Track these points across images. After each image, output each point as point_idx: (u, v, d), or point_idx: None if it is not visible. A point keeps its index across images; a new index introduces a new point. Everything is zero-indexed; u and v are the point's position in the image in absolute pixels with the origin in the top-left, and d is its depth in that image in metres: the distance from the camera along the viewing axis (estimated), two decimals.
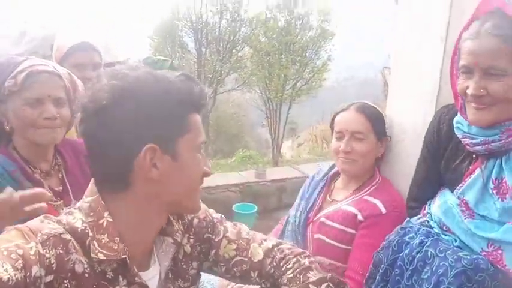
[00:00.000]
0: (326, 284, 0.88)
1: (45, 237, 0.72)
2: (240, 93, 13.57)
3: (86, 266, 0.76)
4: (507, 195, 1.08)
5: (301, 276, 0.91)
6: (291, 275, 0.92)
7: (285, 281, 0.92)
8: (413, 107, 1.68)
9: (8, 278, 0.64)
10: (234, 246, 0.98)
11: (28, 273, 0.67)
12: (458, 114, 1.22)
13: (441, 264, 1.05)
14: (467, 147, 1.19)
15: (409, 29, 1.69)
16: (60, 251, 0.73)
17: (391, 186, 1.62)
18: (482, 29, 1.05)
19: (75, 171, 1.41)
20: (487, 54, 1.04)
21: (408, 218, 1.33)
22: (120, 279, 0.80)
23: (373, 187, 1.58)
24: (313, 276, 0.91)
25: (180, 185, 0.84)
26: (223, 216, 1.06)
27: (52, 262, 0.71)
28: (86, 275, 0.76)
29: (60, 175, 1.37)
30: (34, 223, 0.77)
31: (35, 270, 0.68)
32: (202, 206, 1.01)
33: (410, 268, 1.12)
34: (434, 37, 1.55)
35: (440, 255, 1.08)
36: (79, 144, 1.48)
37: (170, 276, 0.92)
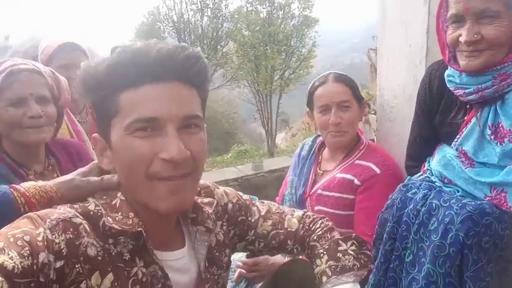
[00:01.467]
0: (351, 241, 0.97)
1: (54, 222, 0.70)
2: (229, 89, 13.55)
3: (99, 249, 0.73)
4: (505, 139, 1.09)
5: (328, 234, 1.00)
6: (320, 233, 1.01)
7: (315, 238, 1.00)
8: (402, 71, 1.68)
9: (13, 266, 0.61)
10: (270, 222, 1.03)
11: (35, 261, 0.65)
12: (449, 68, 1.23)
13: (447, 213, 1.05)
14: (461, 98, 1.19)
15: None
16: (71, 236, 0.70)
17: (378, 147, 1.65)
18: None
19: (70, 171, 1.40)
20: None
21: (409, 177, 1.33)
22: (137, 260, 0.77)
23: (362, 151, 1.60)
24: (337, 235, 1.01)
25: (121, 176, 0.78)
26: (252, 196, 1.09)
27: (62, 247, 0.69)
28: (100, 258, 0.73)
29: (55, 175, 1.34)
30: (43, 210, 0.75)
31: (43, 256, 0.66)
32: (233, 190, 1.04)
33: (417, 222, 1.12)
34: (418, 1, 1.55)
35: (444, 205, 1.08)
36: (70, 143, 1.48)
37: (206, 264, 0.90)
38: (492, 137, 1.12)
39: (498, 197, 1.07)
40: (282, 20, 10.99)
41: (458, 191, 1.15)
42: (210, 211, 0.90)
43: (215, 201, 0.94)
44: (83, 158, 1.43)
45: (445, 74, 1.25)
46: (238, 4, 11.20)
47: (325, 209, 1.56)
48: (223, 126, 14.48)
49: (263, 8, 11.06)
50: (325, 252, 0.94)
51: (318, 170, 1.69)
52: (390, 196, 1.26)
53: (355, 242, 0.97)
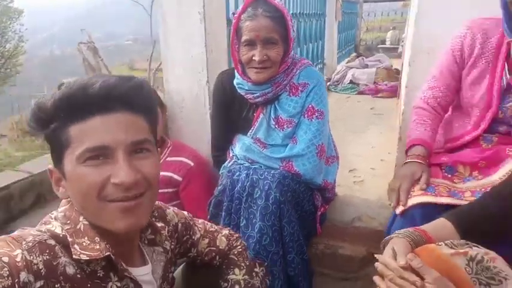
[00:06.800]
0: (262, 268, 1.20)
1: (30, 244, 0.71)
2: None
3: (76, 267, 0.75)
4: (284, 126, 1.60)
5: (245, 252, 1.19)
6: (240, 250, 1.18)
7: (235, 253, 1.17)
8: (188, 77, 2.02)
9: None
10: (207, 240, 1.14)
11: (16, 280, 0.65)
12: (238, 77, 1.63)
13: (265, 182, 1.46)
14: (250, 100, 1.63)
15: (174, 15, 1.97)
16: (47, 257, 0.72)
17: (183, 144, 1.95)
18: (258, 12, 1.45)
19: None
20: (265, 30, 1.45)
21: (224, 164, 1.69)
22: (112, 275, 0.81)
23: (169, 149, 1.86)
24: (249, 254, 1.23)
25: (77, 204, 0.80)
26: (189, 213, 1.14)
27: (40, 268, 0.70)
28: (79, 275, 0.75)
29: None
30: (15, 233, 0.75)
31: (23, 276, 0.66)
32: (179, 210, 1.08)
33: (245, 194, 1.48)
34: (195, 19, 1.90)
35: (261, 177, 1.49)
36: None
37: (161, 282, 0.95)
38: (276, 126, 1.61)
39: (287, 165, 1.56)
40: None
41: (261, 167, 1.60)
42: (166, 233, 0.98)
43: (166, 227, 1.01)
44: None
45: (235, 83, 1.65)
46: None
47: None
48: None
49: None
50: (244, 267, 1.13)
51: None
52: (220, 182, 1.58)
53: (264, 269, 1.20)
